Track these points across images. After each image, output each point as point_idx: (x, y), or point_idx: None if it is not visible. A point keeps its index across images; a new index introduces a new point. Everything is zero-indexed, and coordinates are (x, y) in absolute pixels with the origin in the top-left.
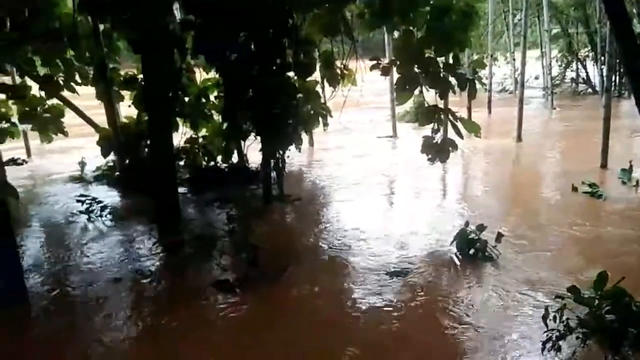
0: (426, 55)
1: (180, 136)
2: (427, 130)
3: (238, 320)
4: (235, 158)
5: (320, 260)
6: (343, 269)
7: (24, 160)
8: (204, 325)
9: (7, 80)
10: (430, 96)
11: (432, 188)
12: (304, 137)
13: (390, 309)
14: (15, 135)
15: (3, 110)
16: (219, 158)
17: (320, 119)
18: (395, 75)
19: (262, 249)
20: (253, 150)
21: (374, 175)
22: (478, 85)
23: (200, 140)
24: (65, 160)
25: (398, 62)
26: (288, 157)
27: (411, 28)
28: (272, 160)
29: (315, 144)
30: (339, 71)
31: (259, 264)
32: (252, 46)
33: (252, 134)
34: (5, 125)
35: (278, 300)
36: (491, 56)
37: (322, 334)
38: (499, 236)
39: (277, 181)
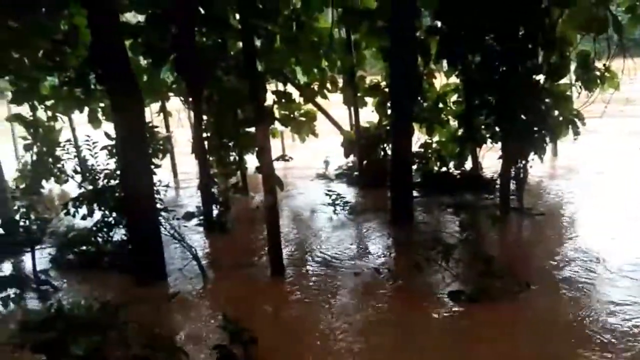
0: None
1: (415, 140)
2: None
3: (469, 335)
4: (468, 165)
5: (563, 283)
6: (588, 298)
7: (290, 158)
8: (435, 334)
9: (272, 87)
10: None
11: None
12: (548, 145)
13: None
14: (275, 135)
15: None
16: (452, 164)
17: (570, 126)
18: None
19: (499, 262)
20: (488, 158)
21: (633, 195)
22: None
23: (434, 145)
24: (312, 158)
25: None
26: (531, 167)
27: None
28: (512, 169)
29: (559, 154)
30: (598, 73)
31: (496, 277)
32: (499, 47)
33: (489, 141)
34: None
35: (516, 320)
36: None
37: None
38: None
39: (516, 192)
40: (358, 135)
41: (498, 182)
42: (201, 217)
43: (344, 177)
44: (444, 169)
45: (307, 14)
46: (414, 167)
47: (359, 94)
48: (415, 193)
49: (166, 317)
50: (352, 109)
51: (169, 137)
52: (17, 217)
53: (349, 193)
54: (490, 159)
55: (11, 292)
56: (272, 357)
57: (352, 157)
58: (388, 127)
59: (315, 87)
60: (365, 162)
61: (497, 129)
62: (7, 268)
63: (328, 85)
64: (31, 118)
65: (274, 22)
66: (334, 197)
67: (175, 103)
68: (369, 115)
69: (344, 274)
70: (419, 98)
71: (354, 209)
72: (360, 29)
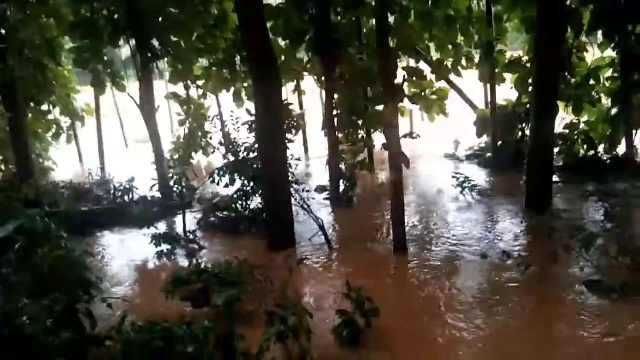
0: None
1: (559, 121)
2: None
3: (607, 329)
4: (621, 149)
5: None
6: None
7: (417, 135)
8: (569, 324)
9: (403, 64)
10: None
11: None
12: None
13: None
14: (404, 114)
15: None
16: (601, 147)
17: None
18: None
19: None
20: None
21: None
22: None
23: (582, 126)
24: (442, 137)
25: None
26: None
27: None
28: None
29: None
30: None
31: None
32: None
33: None
34: (400, 104)
35: None
36: None
37: None
38: None
39: None
40: (494, 114)
41: None
42: (328, 192)
43: (476, 158)
44: (591, 152)
45: None
46: (556, 149)
47: (497, 70)
48: (555, 178)
49: (294, 280)
50: (488, 86)
51: (302, 114)
52: (172, 183)
53: (480, 175)
54: None
55: (165, 247)
56: (390, 330)
57: (485, 138)
58: (528, 106)
59: (449, 64)
60: (500, 142)
61: None
62: (162, 227)
63: (463, 61)
64: (185, 96)
65: None
66: (461, 179)
67: (309, 82)
68: (506, 93)
69: (470, 256)
70: (567, 74)
71: (485, 191)
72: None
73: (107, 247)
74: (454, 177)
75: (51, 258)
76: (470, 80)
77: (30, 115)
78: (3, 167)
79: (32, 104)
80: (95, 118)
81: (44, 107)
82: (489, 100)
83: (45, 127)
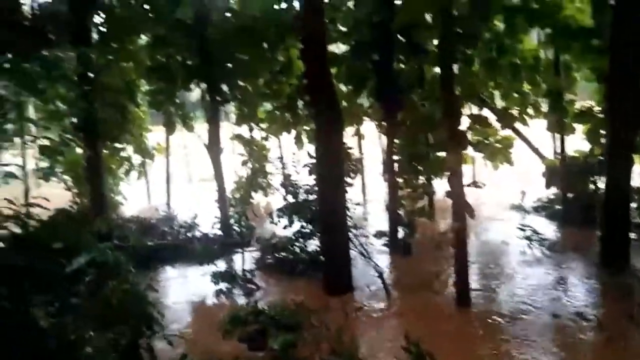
0: None
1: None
2: None
3: None
4: None
5: None
6: None
7: (482, 184)
8: None
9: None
10: None
11: None
12: None
13: None
14: (466, 161)
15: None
16: None
17: None
18: None
19: None
20: None
21: None
22: None
23: None
24: (506, 186)
25: None
26: None
27: None
28: None
29: None
30: None
31: None
32: None
33: None
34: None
35: None
36: None
37: None
38: None
39: None
40: (563, 165)
41: None
42: (386, 238)
43: (543, 211)
44: None
45: (510, 36)
46: (633, 205)
47: (566, 120)
48: (632, 235)
49: (350, 326)
50: (556, 135)
51: (361, 158)
52: (232, 222)
53: (548, 228)
54: None
55: (224, 285)
56: None
57: (554, 189)
58: (601, 158)
59: (515, 112)
60: (571, 195)
61: None
62: (221, 264)
63: (529, 110)
64: (249, 138)
65: (473, 47)
66: (528, 232)
67: (369, 126)
68: (575, 143)
69: (539, 314)
70: None
71: (553, 245)
72: (572, 48)
73: (169, 282)
74: (520, 228)
75: (119, 291)
76: (537, 128)
77: (105, 151)
78: (77, 200)
79: (108, 142)
80: (165, 157)
81: (118, 145)
82: (558, 149)
83: (118, 164)
